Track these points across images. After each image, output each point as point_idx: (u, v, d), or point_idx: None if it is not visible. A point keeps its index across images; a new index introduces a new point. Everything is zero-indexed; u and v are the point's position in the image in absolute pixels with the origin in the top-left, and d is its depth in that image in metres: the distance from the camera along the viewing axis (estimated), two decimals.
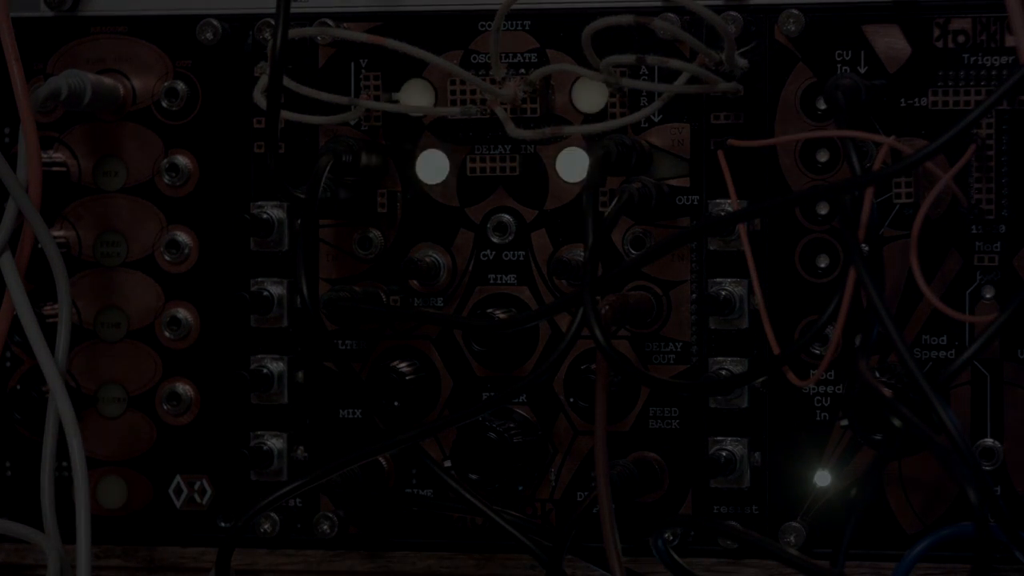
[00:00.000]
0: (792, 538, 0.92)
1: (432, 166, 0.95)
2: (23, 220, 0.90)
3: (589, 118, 0.93)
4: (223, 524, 0.98)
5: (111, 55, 0.98)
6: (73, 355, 0.97)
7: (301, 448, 0.97)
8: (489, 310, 0.94)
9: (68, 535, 0.90)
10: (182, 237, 0.98)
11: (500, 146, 0.94)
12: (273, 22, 0.93)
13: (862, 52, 0.90)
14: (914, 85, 0.90)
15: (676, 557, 0.91)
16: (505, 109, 0.91)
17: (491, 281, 0.95)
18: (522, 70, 0.93)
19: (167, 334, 0.98)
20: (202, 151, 0.98)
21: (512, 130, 0.90)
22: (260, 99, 0.92)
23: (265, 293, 0.96)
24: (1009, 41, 0.89)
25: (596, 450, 0.88)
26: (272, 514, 0.97)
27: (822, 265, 0.91)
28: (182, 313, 0.98)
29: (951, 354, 0.90)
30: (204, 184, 0.98)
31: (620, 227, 0.93)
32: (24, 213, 0.89)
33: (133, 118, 0.98)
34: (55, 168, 0.98)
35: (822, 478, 0.91)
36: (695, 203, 0.92)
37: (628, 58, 0.87)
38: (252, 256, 0.97)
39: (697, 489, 0.94)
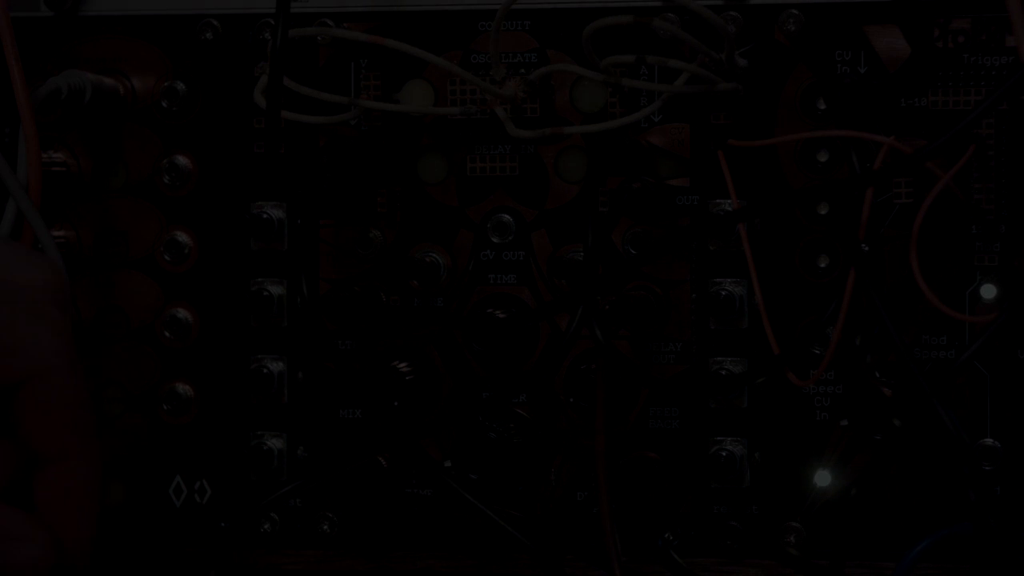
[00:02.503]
0: (792, 538, 0.92)
1: (432, 166, 0.95)
2: (23, 220, 0.90)
3: (589, 118, 0.93)
4: (223, 524, 0.98)
5: (111, 55, 0.98)
6: None
7: (301, 448, 0.97)
8: (489, 310, 0.94)
9: None
10: (182, 237, 0.98)
11: (500, 146, 0.94)
12: (273, 22, 0.93)
13: (862, 52, 0.90)
14: (914, 85, 0.90)
15: (676, 557, 0.91)
16: (505, 109, 0.91)
17: (491, 281, 0.95)
18: (522, 70, 0.93)
19: (167, 334, 0.98)
20: (202, 151, 0.97)
21: (512, 130, 0.90)
22: (260, 99, 0.92)
23: (265, 293, 0.96)
24: (1009, 41, 0.89)
25: (596, 450, 0.88)
26: (272, 514, 0.97)
27: (822, 265, 0.91)
28: (182, 313, 0.98)
29: (951, 354, 0.90)
30: (204, 184, 0.98)
31: (620, 227, 0.93)
32: (24, 213, 0.89)
33: (133, 118, 0.98)
34: (55, 168, 0.98)
35: (822, 478, 0.91)
36: (695, 203, 0.92)
37: (628, 58, 0.87)
38: (252, 256, 0.97)
39: (697, 489, 0.94)
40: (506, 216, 0.95)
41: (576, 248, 0.94)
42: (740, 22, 0.90)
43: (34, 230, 0.90)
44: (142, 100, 0.98)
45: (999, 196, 0.89)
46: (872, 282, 0.88)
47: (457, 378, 0.96)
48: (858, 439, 0.90)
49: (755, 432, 0.93)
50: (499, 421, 0.94)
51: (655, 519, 0.93)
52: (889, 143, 0.87)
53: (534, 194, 0.94)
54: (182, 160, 0.97)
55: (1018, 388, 0.90)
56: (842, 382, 0.92)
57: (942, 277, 0.89)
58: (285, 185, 0.95)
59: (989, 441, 0.90)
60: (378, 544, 0.97)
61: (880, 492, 0.91)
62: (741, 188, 0.91)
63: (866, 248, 0.87)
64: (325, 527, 0.97)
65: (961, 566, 0.90)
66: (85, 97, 0.95)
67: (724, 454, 0.92)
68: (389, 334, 0.96)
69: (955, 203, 0.89)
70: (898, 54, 0.90)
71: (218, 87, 0.97)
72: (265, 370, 0.97)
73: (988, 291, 0.89)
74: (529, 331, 0.95)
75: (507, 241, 0.95)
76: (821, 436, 0.92)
